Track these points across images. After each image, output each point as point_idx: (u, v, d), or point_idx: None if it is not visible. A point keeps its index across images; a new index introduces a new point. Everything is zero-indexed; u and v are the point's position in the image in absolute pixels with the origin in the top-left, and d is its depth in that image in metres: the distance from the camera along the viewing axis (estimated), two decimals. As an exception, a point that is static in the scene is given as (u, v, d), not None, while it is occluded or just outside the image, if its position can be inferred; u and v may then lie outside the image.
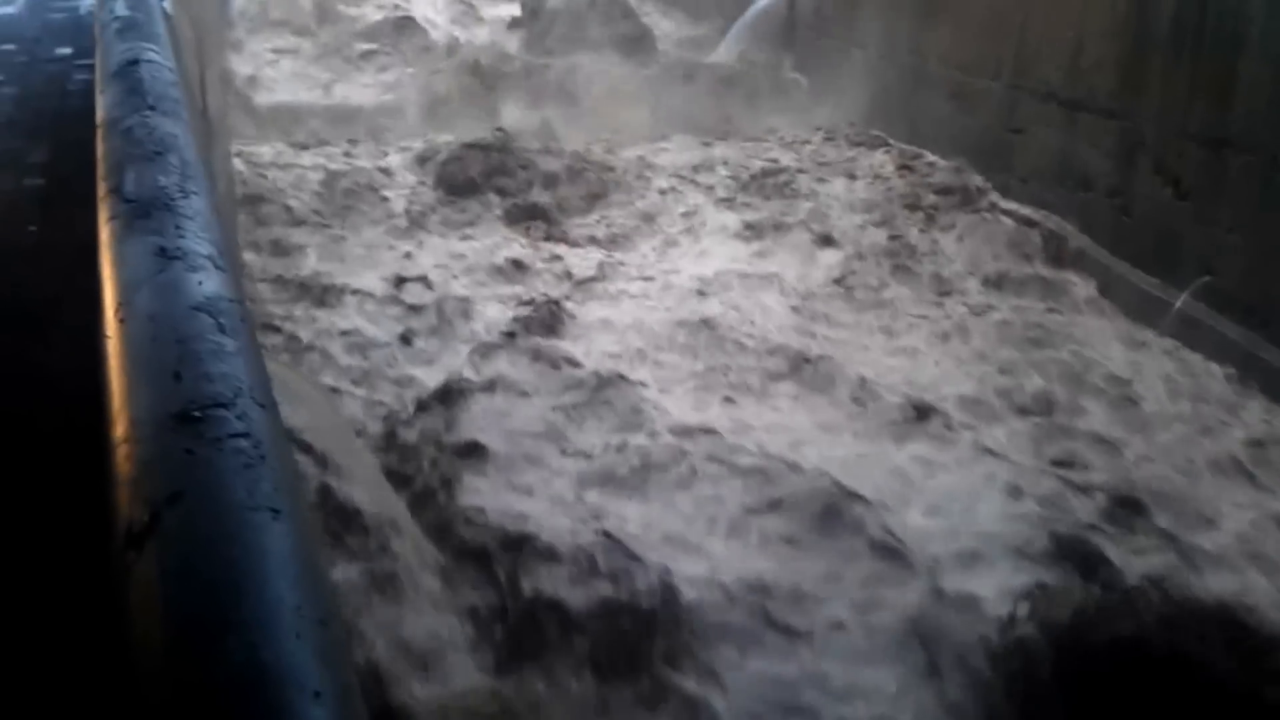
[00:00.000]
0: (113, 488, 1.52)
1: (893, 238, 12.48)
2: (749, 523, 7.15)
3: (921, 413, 8.69)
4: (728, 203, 13.76)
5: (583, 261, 12.05)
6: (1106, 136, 11.87)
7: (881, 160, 14.83)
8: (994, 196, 13.27)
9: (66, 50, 6.63)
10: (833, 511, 7.12)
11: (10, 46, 6.76)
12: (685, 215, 13.44)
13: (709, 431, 8.19)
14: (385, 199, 13.70)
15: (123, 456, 1.54)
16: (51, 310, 3.39)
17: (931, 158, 14.47)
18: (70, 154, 4.90)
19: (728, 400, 8.97)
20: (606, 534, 6.75)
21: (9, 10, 7.63)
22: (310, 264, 11.67)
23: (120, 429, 1.58)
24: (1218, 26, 10.19)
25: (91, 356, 2.15)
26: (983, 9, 14.11)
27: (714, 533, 7.09)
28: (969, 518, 7.33)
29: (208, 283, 1.77)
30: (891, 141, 15.40)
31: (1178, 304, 10.64)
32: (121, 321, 1.72)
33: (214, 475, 1.45)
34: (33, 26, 7.22)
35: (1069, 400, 9.21)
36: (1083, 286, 11.56)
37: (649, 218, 13.43)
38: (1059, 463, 8.19)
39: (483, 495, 7.22)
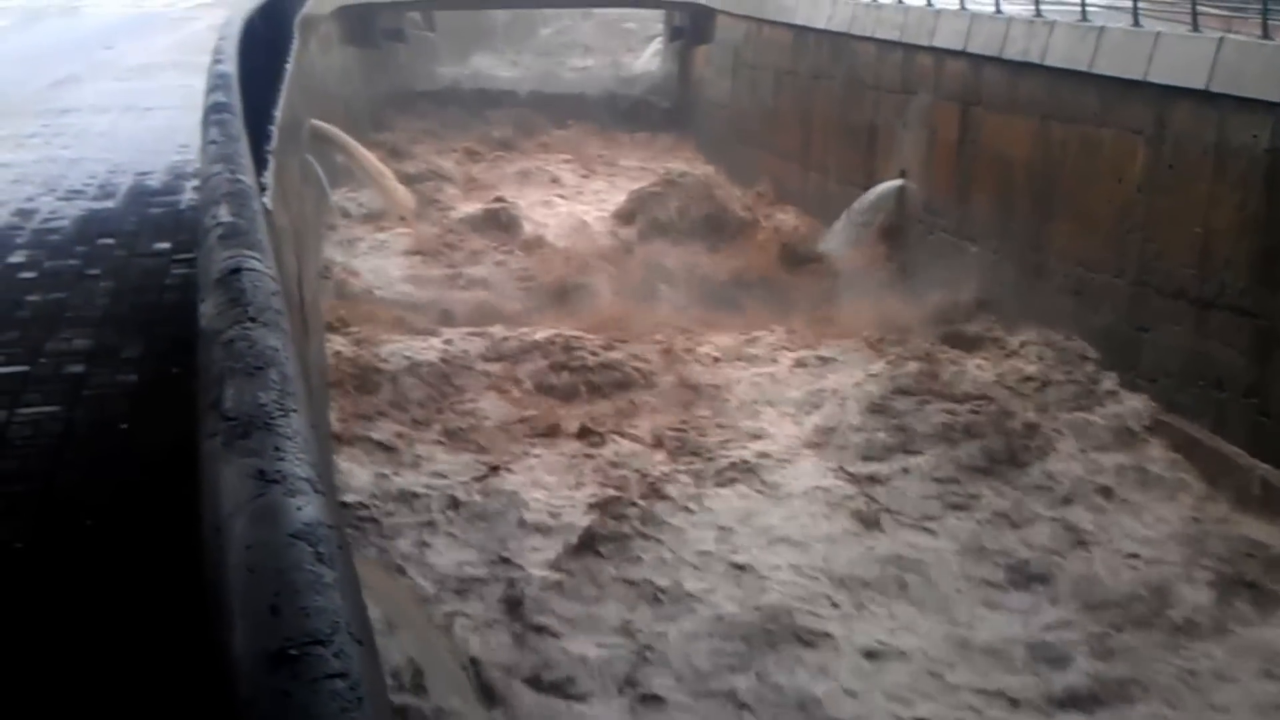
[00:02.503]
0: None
1: None
2: None
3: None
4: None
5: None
6: (1240, 334, 11.47)
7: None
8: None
9: (164, 245, 6.74)
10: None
11: (109, 241, 6.94)
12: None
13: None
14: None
15: (219, 696, 1.50)
16: (140, 514, 3.36)
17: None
18: (164, 350, 4.94)
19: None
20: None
21: (110, 204, 7.87)
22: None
23: (217, 666, 1.54)
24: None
25: (178, 568, 2.12)
26: (1105, 205, 13.82)
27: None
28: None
29: (306, 508, 1.74)
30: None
31: None
32: (219, 549, 1.71)
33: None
34: (131, 221, 7.37)
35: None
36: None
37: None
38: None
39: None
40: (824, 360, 15.13)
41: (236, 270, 2.85)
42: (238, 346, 2.31)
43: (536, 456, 12.65)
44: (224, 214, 3.64)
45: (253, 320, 2.48)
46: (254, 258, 2.98)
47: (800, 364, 15.10)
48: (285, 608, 1.55)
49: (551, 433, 13.16)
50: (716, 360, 15.36)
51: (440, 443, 12.93)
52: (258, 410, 2.01)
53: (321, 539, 1.68)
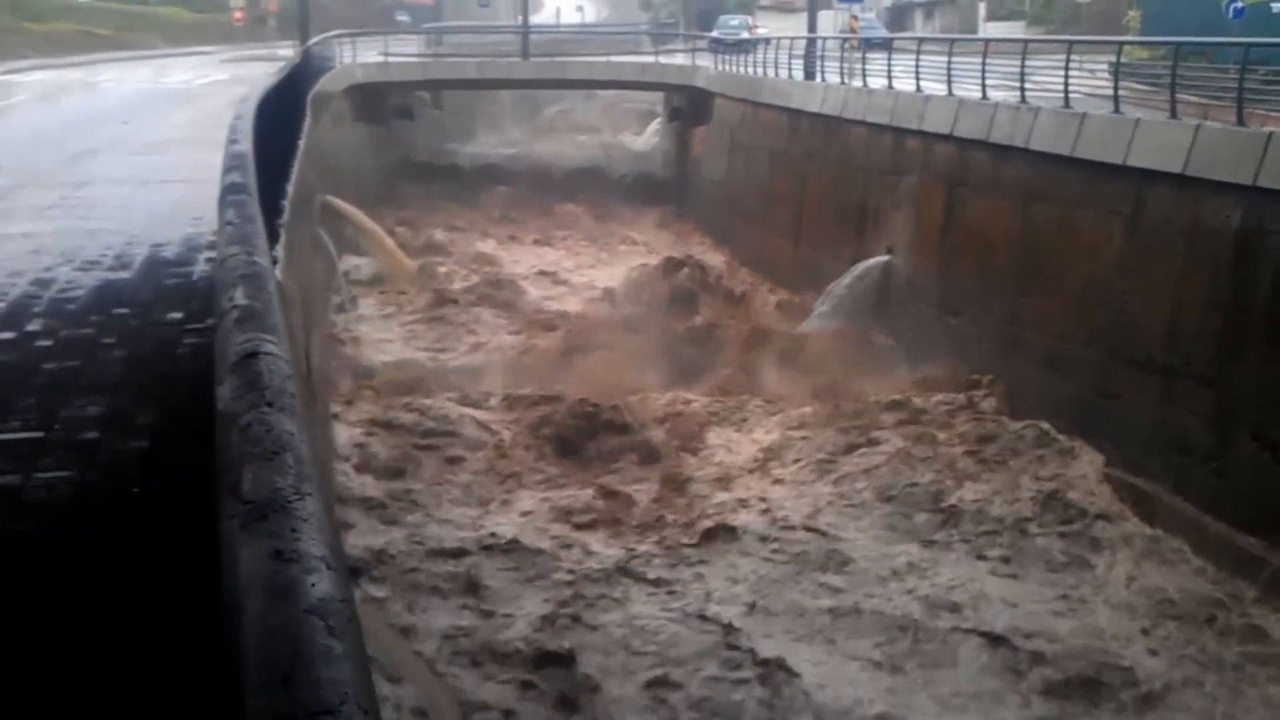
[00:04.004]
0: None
1: None
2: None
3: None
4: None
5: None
6: (1202, 403, 11.85)
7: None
8: None
9: (177, 315, 6.88)
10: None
11: (124, 310, 7.09)
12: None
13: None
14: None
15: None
16: (150, 585, 3.45)
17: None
18: (175, 418, 5.07)
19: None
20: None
21: (125, 275, 8.02)
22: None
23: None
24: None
25: (191, 635, 2.25)
26: (1080, 280, 14.28)
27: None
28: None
29: (320, 584, 1.87)
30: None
31: (1276, 562, 10.49)
32: (236, 622, 1.84)
33: (320, 787, 1.52)
34: (146, 291, 7.48)
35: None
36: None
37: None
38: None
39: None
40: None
41: (253, 354, 2.98)
42: (254, 431, 2.44)
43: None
44: (240, 297, 3.77)
45: (269, 405, 2.61)
46: (270, 341, 3.11)
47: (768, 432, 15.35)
48: (298, 678, 1.67)
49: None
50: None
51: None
52: (275, 494, 2.14)
53: (333, 613, 1.81)
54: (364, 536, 11.97)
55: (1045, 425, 14.08)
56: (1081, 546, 11.97)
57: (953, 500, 12.99)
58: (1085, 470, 13.03)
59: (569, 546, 12.35)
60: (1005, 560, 11.90)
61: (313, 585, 1.88)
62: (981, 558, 12.08)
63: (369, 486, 13.13)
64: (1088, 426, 13.70)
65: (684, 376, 17.70)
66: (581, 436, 14.81)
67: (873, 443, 14.44)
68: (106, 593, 3.35)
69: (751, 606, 11.31)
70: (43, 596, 3.38)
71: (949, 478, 13.33)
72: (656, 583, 11.77)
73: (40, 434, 4.83)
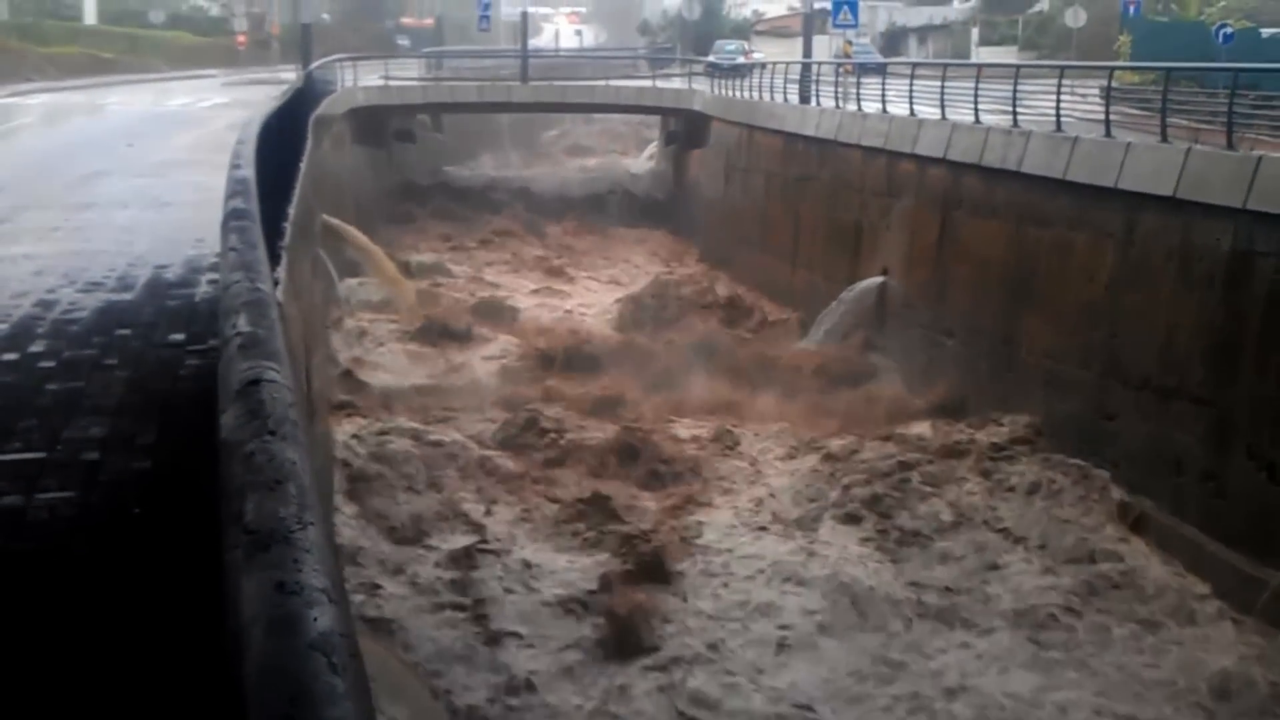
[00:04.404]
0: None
1: None
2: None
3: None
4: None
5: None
6: (1199, 423, 11.94)
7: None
8: None
9: (179, 336, 6.86)
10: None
11: (126, 331, 7.08)
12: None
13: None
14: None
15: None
16: (151, 605, 3.46)
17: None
18: (177, 438, 5.08)
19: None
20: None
21: (128, 296, 8.04)
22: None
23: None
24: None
25: (192, 657, 2.26)
26: (1074, 302, 14.42)
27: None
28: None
29: (322, 618, 1.87)
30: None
31: (1274, 583, 10.54)
32: (239, 657, 1.85)
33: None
34: (149, 312, 7.46)
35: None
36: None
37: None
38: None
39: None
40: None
41: (256, 381, 2.99)
42: (257, 460, 2.45)
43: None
44: (243, 324, 3.79)
45: (272, 433, 2.62)
46: (272, 369, 3.12)
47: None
48: (301, 718, 1.68)
49: None
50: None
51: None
52: (277, 524, 2.15)
53: (335, 648, 1.81)
54: (357, 576, 11.71)
55: (1058, 458, 14.02)
56: (1128, 626, 11.27)
57: (975, 566, 12.45)
58: (1108, 527, 12.56)
59: (566, 604, 11.87)
60: (1046, 645, 11.24)
61: (315, 619, 1.89)
62: (1019, 630, 11.47)
63: (360, 515, 13.02)
64: (1085, 446, 13.72)
65: (684, 400, 17.71)
66: (581, 464, 14.77)
67: (883, 481, 14.10)
68: (107, 612, 3.37)
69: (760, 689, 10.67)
70: (44, 616, 3.40)
71: (960, 524, 13.06)
72: (660, 668, 11.00)
73: (43, 454, 4.85)
